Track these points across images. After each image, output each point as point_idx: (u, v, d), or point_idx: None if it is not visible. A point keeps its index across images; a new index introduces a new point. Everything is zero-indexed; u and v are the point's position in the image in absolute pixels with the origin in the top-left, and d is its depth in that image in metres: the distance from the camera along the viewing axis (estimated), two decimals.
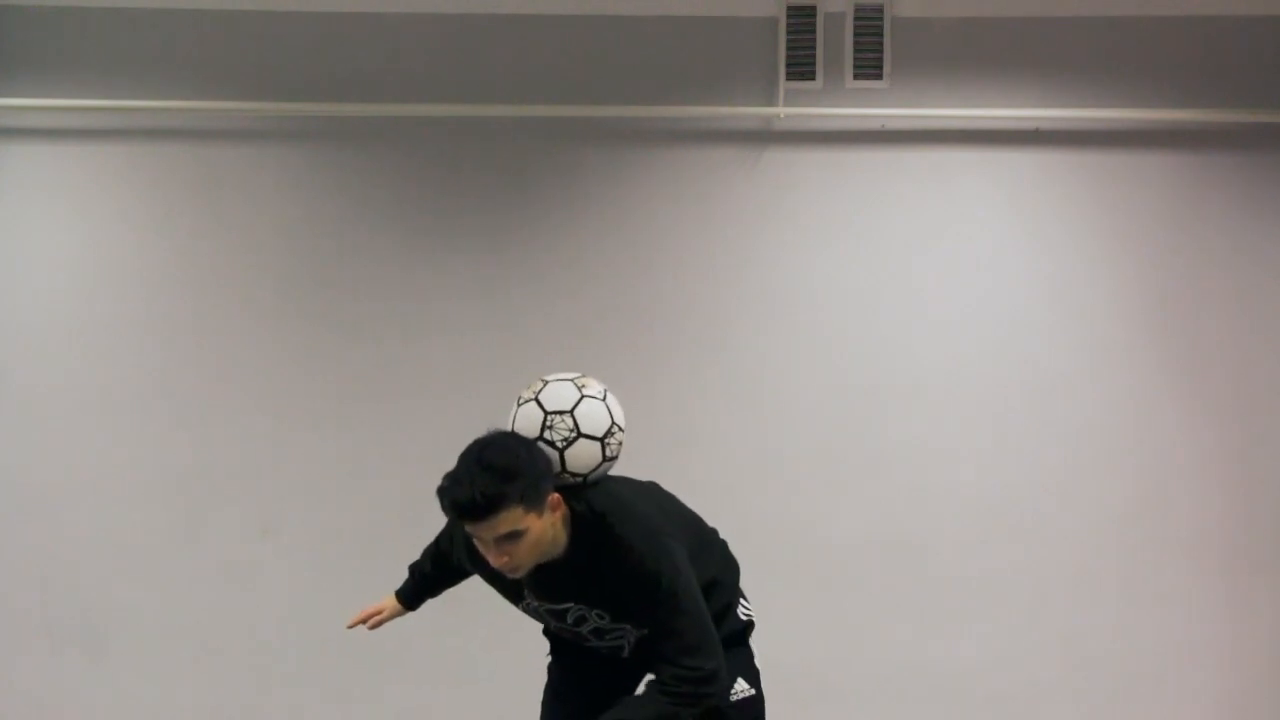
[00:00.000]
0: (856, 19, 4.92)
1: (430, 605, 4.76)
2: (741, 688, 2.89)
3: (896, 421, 4.85)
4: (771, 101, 4.92)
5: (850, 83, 4.94)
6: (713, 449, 4.82)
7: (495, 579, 2.87)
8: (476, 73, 4.93)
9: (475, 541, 2.65)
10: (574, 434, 2.72)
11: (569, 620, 2.84)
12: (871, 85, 4.94)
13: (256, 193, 4.92)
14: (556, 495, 2.67)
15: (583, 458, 2.73)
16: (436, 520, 4.90)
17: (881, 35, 4.92)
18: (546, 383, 2.80)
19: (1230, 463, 4.87)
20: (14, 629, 4.81)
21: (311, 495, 4.85)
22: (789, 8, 4.90)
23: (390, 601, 3.33)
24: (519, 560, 2.63)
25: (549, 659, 3.14)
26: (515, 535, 2.58)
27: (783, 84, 4.90)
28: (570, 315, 4.88)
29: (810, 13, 4.91)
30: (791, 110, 4.89)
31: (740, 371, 4.87)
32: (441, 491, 2.57)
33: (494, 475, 2.53)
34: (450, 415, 4.85)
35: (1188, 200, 4.92)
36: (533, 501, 2.58)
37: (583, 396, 2.77)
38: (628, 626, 2.81)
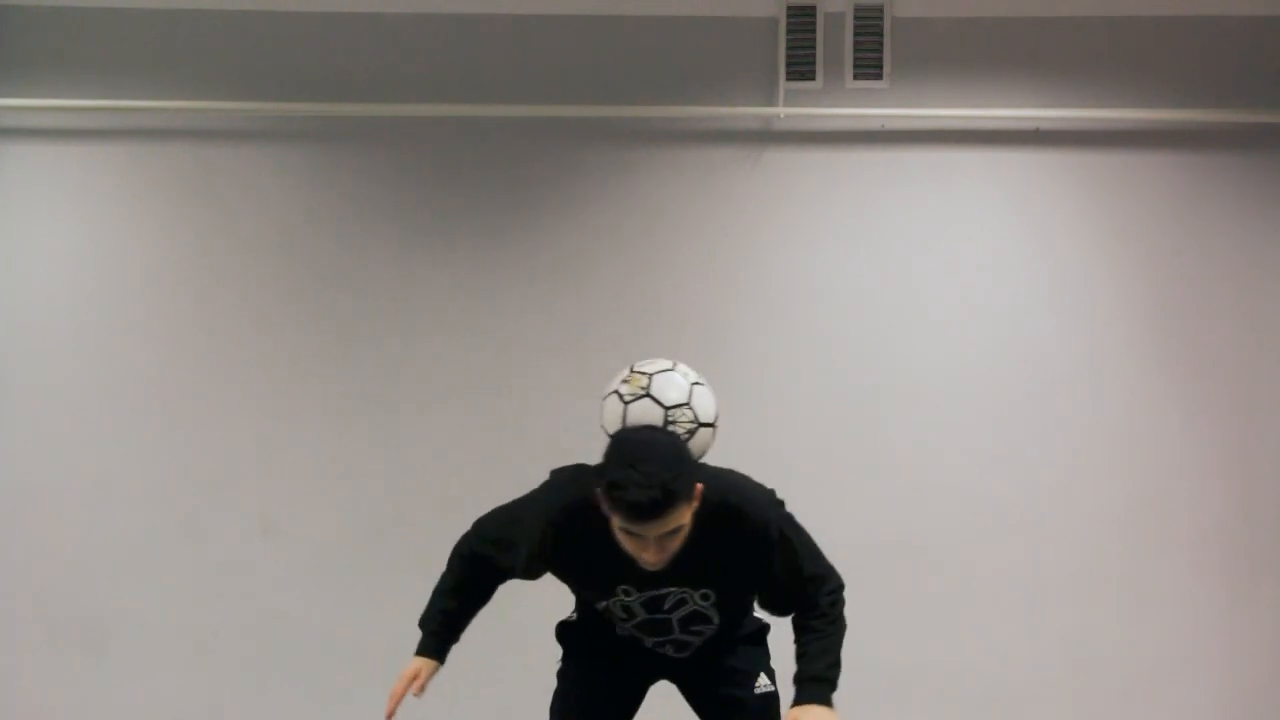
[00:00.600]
0: (856, 19, 4.92)
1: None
2: (764, 683, 2.90)
3: (896, 421, 4.85)
4: (771, 101, 4.92)
5: (850, 83, 4.94)
6: (712, 449, 4.81)
7: (587, 574, 2.79)
8: (476, 73, 4.93)
9: (625, 540, 2.55)
10: (695, 424, 2.73)
11: (665, 607, 2.77)
12: (871, 85, 4.93)
13: (256, 193, 4.92)
14: (701, 486, 2.60)
15: (701, 445, 2.76)
16: (436, 521, 4.90)
17: (881, 35, 4.92)
18: (649, 375, 2.77)
19: (1230, 463, 4.87)
20: (14, 629, 4.81)
21: (311, 495, 4.85)
22: (789, 8, 4.90)
23: (419, 664, 3.06)
24: (671, 553, 2.59)
25: (560, 665, 3.05)
26: (677, 530, 2.56)
27: (783, 84, 4.90)
28: (570, 315, 4.88)
29: (810, 13, 4.91)
30: (791, 110, 4.89)
31: (740, 371, 4.87)
32: (615, 496, 2.48)
33: (667, 473, 2.48)
34: (450, 415, 4.86)
35: (1188, 200, 4.92)
36: (690, 494, 2.56)
37: (692, 385, 2.78)
38: (719, 613, 2.80)
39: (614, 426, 2.72)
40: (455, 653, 4.89)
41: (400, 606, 4.81)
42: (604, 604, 2.82)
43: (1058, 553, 4.83)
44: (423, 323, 4.89)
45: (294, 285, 4.90)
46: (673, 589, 2.74)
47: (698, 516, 2.61)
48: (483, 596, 3.09)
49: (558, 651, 3.08)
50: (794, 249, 4.92)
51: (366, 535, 4.82)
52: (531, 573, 2.89)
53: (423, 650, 3.07)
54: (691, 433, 2.72)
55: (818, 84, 4.93)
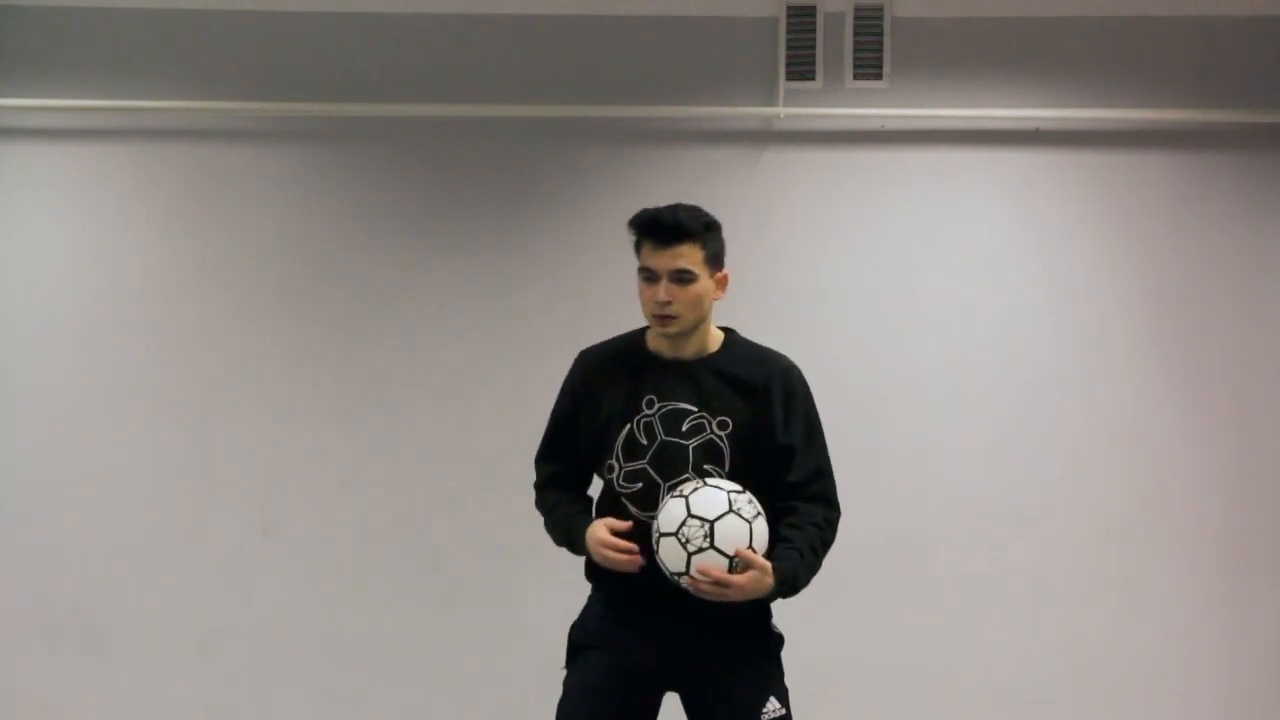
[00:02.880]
0: (856, 19, 4.92)
1: (430, 605, 4.79)
2: (773, 708, 2.84)
3: (896, 421, 4.85)
4: (771, 101, 4.92)
5: (850, 83, 4.94)
6: None
7: (617, 392, 2.89)
8: (476, 73, 4.93)
9: (642, 285, 2.82)
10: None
11: (683, 428, 2.83)
12: (871, 85, 4.93)
13: (256, 193, 4.92)
14: (725, 274, 2.93)
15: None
16: (436, 521, 4.91)
17: (881, 35, 4.92)
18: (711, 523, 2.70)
19: (1230, 463, 4.87)
20: (14, 629, 4.81)
21: (311, 495, 4.85)
22: (789, 8, 4.90)
23: (598, 526, 2.87)
24: (681, 307, 2.81)
25: (564, 670, 3.00)
26: (686, 276, 2.80)
27: (783, 84, 4.90)
28: (570, 315, 4.88)
29: (810, 13, 4.91)
30: (791, 110, 4.89)
31: None
32: (638, 215, 2.82)
33: (693, 212, 2.83)
34: (450, 416, 4.86)
35: (1188, 200, 4.92)
36: (711, 255, 2.86)
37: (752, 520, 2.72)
38: (730, 454, 2.81)
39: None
40: (456, 653, 4.89)
41: (400, 606, 4.84)
42: (630, 427, 2.85)
43: (1058, 553, 4.83)
44: (423, 323, 4.89)
45: (294, 285, 4.90)
46: (692, 408, 2.84)
47: (727, 347, 2.92)
48: (579, 490, 3.05)
49: (563, 655, 3.04)
50: (794, 249, 4.92)
51: (366, 535, 4.82)
52: (585, 425, 2.95)
53: (583, 526, 2.91)
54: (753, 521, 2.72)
55: (818, 84, 4.93)
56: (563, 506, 2.97)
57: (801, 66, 4.91)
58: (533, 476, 3.09)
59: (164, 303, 4.88)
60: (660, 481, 2.83)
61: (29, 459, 4.83)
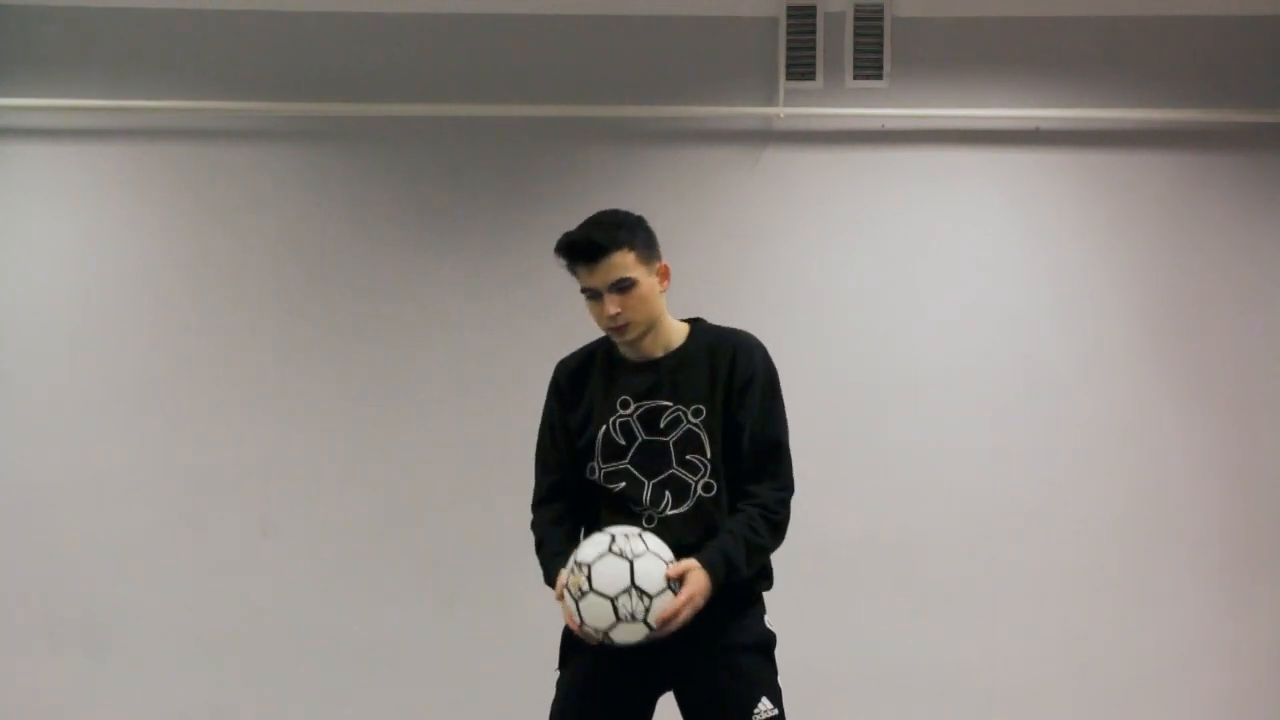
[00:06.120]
0: (856, 19, 4.92)
1: (429, 606, 4.79)
2: (765, 708, 2.82)
3: (896, 421, 4.85)
4: (771, 101, 4.92)
5: (850, 83, 4.94)
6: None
7: (594, 396, 2.92)
8: (476, 73, 4.93)
9: (589, 304, 2.84)
10: (648, 602, 2.66)
11: (661, 424, 2.85)
12: (871, 85, 4.94)
13: (256, 193, 4.92)
14: (664, 265, 2.92)
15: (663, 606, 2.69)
16: (436, 521, 4.91)
17: (881, 35, 4.92)
18: (590, 566, 2.68)
19: (1230, 463, 4.87)
20: (14, 629, 4.81)
21: (311, 495, 4.85)
22: (789, 8, 4.90)
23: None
24: (631, 314, 2.82)
25: (558, 672, 3.00)
26: (626, 283, 2.80)
27: (783, 84, 4.90)
28: (570, 315, 4.85)
29: (810, 13, 4.91)
30: (791, 110, 4.89)
31: None
32: (559, 243, 2.83)
33: (606, 222, 2.83)
34: (450, 415, 4.86)
35: (1188, 200, 4.92)
36: (643, 251, 2.85)
37: (633, 563, 2.68)
38: (709, 442, 2.83)
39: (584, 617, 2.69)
40: (456, 653, 4.88)
41: (400, 606, 4.84)
42: (607, 429, 2.87)
43: (1058, 552, 4.83)
44: (423, 322, 4.89)
45: (294, 285, 4.90)
46: (667, 403, 2.86)
47: (692, 338, 2.92)
48: (571, 533, 2.99)
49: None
50: (794, 249, 4.92)
51: (366, 535, 4.82)
52: (571, 433, 2.96)
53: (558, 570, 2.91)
54: (647, 609, 2.65)
55: (818, 84, 4.93)
56: (546, 545, 2.95)
57: (801, 66, 4.91)
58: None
59: (164, 302, 4.88)
60: (644, 480, 2.86)
61: (29, 459, 4.83)
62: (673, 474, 2.86)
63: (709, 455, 2.86)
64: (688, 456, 2.86)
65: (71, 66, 4.90)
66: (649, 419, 2.87)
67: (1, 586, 4.82)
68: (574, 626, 2.73)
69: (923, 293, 4.89)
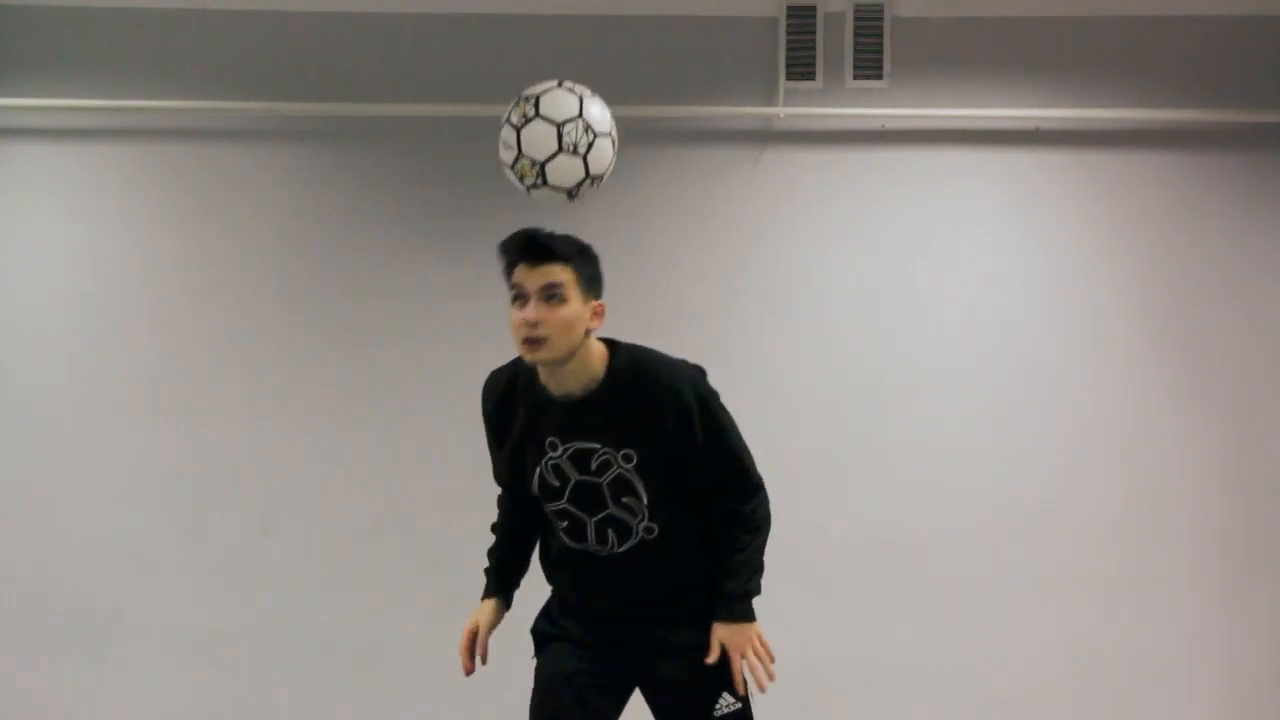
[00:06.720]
0: (856, 19, 4.92)
1: (429, 606, 4.79)
2: (727, 701, 2.83)
3: (896, 421, 4.85)
4: (771, 101, 4.92)
5: (850, 83, 4.94)
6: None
7: (520, 430, 2.89)
8: (476, 73, 4.93)
9: (514, 303, 2.72)
10: (592, 136, 2.78)
11: (592, 466, 2.77)
12: (871, 85, 4.93)
13: (256, 193, 4.92)
14: (601, 305, 2.80)
15: (601, 159, 2.81)
16: (436, 521, 4.91)
17: (881, 35, 4.92)
18: (537, 96, 2.79)
19: (1230, 463, 4.87)
20: (14, 629, 4.81)
21: (311, 495, 4.85)
22: (789, 8, 4.90)
23: (480, 616, 3.05)
24: (549, 329, 2.68)
25: (534, 659, 3.04)
26: (556, 294, 2.70)
27: (783, 84, 4.90)
28: None
29: (810, 13, 4.91)
30: (791, 110, 4.89)
31: (740, 371, 4.86)
32: (510, 236, 2.74)
33: (567, 237, 2.76)
34: (450, 415, 4.84)
35: (1188, 200, 4.92)
36: (584, 277, 2.76)
37: (583, 98, 2.82)
38: (645, 488, 2.76)
39: (510, 157, 2.79)
40: (456, 653, 4.86)
41: (400, 606, 4.84)
42: (540, 470, 2.84)
43: (1058, 552, 4.83)
44: (423, 323, 4.89)
45: (294, 285, 4.90)
46: (595, 445, 2.75)
47: (611, 374, 2.75)
48: (522, 533, 3.10)
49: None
50: (794, 249, 4.92)
51: (366, 535, 4.82)
52: (503, 457, 3.00)
53: (484, 593, 3.11)
54: (590, 145, 2.76)
55: (818, 84, 4.93)
56: (490, 561, 3.12)
57: (801, 66, 4.91)
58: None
59: (163, 303, 4.88)
60: (586, 518, 2.83)
61: (29, 459, 4.83)
62: (610, 514, 2.81)
63: (645, 501, 2.78)
64: (623, 500, 2.79)
65: (71, 66, 4.90)
66: (579, 459, 2.79)
67: (1, 586, 4.82)
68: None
69: (923, 293, 4.89)
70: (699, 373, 2.86)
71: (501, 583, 3.09)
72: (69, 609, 4.81)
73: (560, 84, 2.82)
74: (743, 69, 4.94)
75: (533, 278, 2.71)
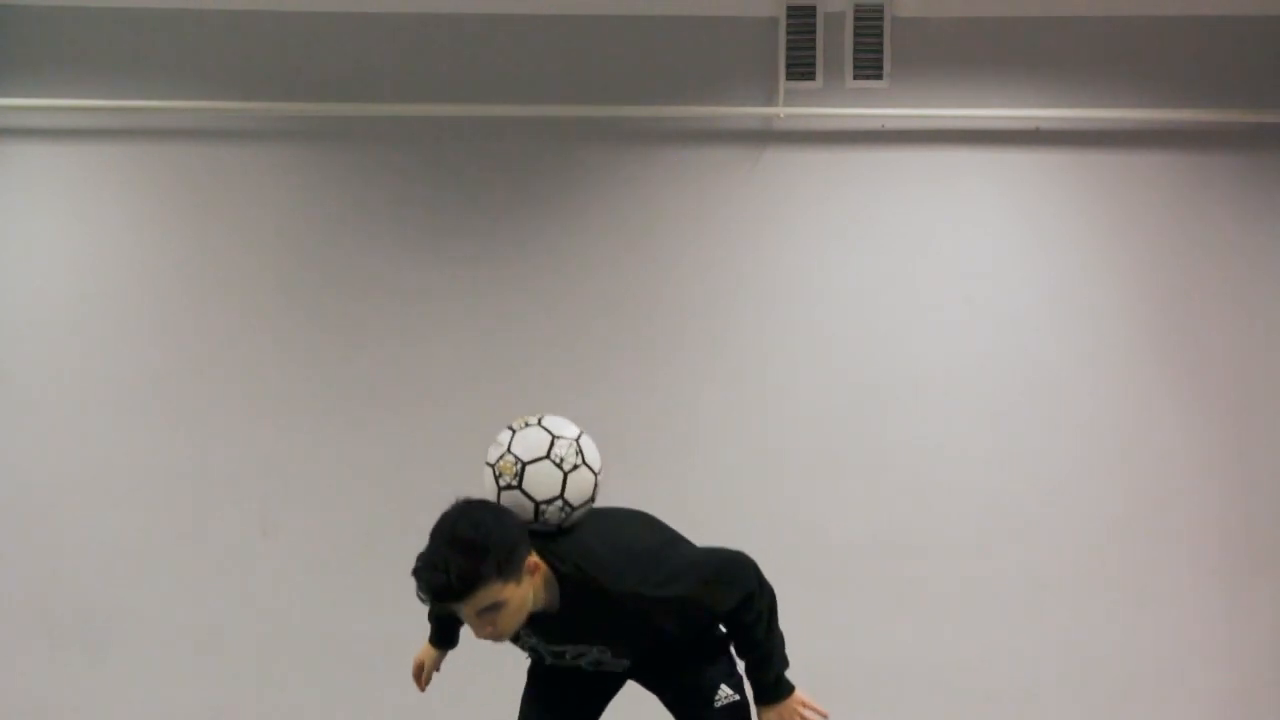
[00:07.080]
0: (856, 19, 4.92)
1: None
2: (725, 693, 2.91)
3: (896, 421, 4.85)
4: (771, 101, 4.92)
5: (850, 83, 4.94)
6: (713, 449, 4.82)
7: None
8: (476, 73, 4.93)
9: (460, 614, 2.64)
10: (580, 459, 2.76)
11: (568, 657, 2.86)
12: (871, 85, 4.94)
13: (256, 193, 4.92)
14: (534, 559, 2.64)
15: (583, 487, 2.76)
16: (435, 521, 4.90)
17: (881, 35, 4.92)
18: (541, 416, 2.86)
19: (1230, 463, 4.87)
20: (14, 629, 4.81)
21: (311, 495, 4.85)
22: (789, 8, 4.90)
23: (424, 655, 3.31)
24: (503, 628, 2.63)
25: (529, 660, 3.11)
26: (496, 607, 2.58)
27: (783, 84, 4.90)
28: (570, 315, 4.88)
29: (810, 13, 4.91)
30: (791, 110, 4.89)
31: (740, 371, 4.87)
32: (416, 574, 2.56)
33: (467, 554, 2.52)
34: (450, 415, 4.86)
35: (1188, 200, 4.92)
36: (509, 572, 2.57)
37: (583, 432, 2.84)
38: (625, 655, 2.86)
39: (495, 454, 2.87)
40: (456, 653, 4.87)
41: (400, 606, 4.82)
42: (516, 644, 2.88)
43: (1058, 552, 4.83)
44: (423, 322, 4.89)
45: (294, 285, 4.90)
46: (568, 646, 2.83)
47: (561, 586, 2.67)
48: None
49: None
50: (794, 249, 4.92)
51: (366, 535, 4.82)
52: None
53: (431, 640, 3.31)
54: (575, 466, 2.76)
55: (818, 84, 4.93)
56: (432, 611, 3.17)
57: (801, 66, 4.91)
58: None
59: (163, 303, 4.88)
60: (558, 661, 2.92)
61: (29, 459, 4.83)
62: (596, 673, 2.94)
63: (629, 663, 2.91)
64: (605, 668, 2.90)
65: (71, 66, 4.90)
66: (554, 652, 2.88)
67: (1, 586, 4.82)
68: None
69: (923, 293, 4.89)
70: (646, 554, 2.77)
71: (443, 637, 3.24)
72: (69, 609, 4.81)
73: (568, 420, 2.89)
74: (743, 69, 4.94)
75: (465, 610, 2.60)
